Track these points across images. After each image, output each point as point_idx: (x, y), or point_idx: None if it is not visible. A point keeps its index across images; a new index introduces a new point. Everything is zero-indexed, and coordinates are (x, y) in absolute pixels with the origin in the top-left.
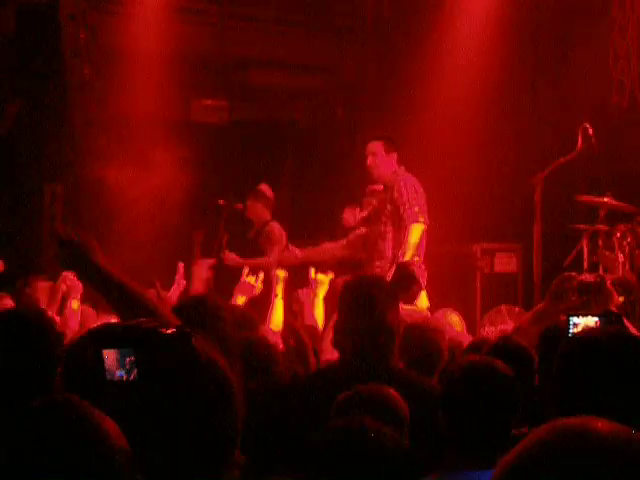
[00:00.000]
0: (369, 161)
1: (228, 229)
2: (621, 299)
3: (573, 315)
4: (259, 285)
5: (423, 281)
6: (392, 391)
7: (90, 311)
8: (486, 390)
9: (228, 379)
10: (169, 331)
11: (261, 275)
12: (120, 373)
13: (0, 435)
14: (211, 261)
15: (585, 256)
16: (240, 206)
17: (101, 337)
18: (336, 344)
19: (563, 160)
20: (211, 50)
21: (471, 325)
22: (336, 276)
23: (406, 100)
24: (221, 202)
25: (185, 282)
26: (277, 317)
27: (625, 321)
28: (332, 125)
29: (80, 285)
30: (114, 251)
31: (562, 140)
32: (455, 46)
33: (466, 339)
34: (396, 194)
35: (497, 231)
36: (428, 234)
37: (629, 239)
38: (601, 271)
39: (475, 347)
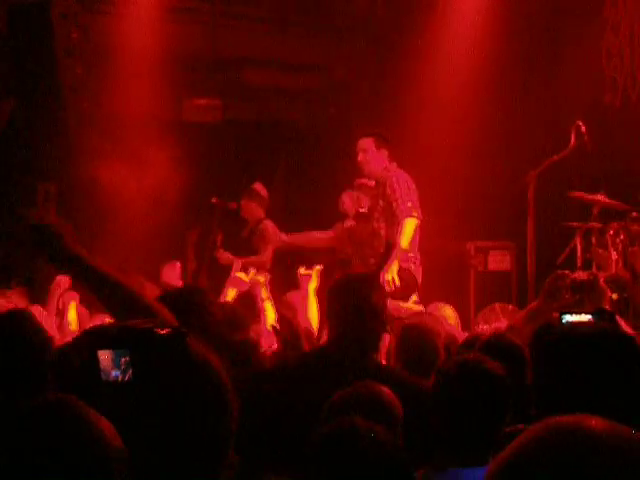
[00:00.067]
0: (360, 158)
1: (222, 228)
2: (614, 296)
3: (566, 313)
4: (251, 276)
5: (418, 278)
6: (386, 389)
7: (84, 311)
8: (476, 388)
9: (223, 379)
10: (164, 331)
11: (252, 271)
12: (115, 373)
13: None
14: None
15: (578, 254)
16: (234, 205)
17: (96, 338)
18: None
19: (556, 158)
20: (204, 49)
21: (465, 323)
22: (325, 269)
23: (399, 99)
24: (214, 201)
25: (182, 281)
26: (270, 319)
27: (618, 318)
28: (325, 124)
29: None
30: (107, 250)
31: (555, 138)
32: (448, 45)
33: (460, 335)
34: (388, 190)
35: (491, 229)
36: (422, 232)
37: (622, 236)
38: (594, 269)
39: (469, 344)
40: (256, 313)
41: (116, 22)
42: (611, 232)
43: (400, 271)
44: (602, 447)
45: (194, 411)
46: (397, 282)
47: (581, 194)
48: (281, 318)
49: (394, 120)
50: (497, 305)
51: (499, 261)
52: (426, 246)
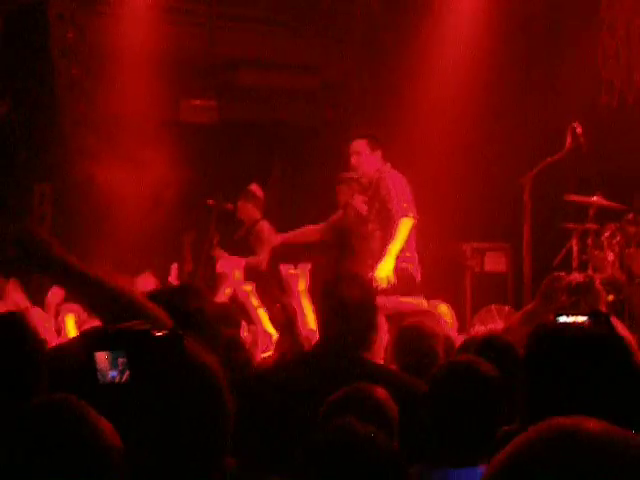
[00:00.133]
0: (353, 160)
1: (218, 229)
2: (610, 298)
3: (561, 314)
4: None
5: (417, 277)
6: (381, 390)
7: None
8: (468, 389)
9: (219, 381)
10: (161, 333)
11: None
12: (113, 374)
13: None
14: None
15: (575, 255)
16: (230, 206)
17: (93, 340)
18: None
19: (552, 159)
20: (200, 50)
21: (461, 324)
22: (314, 264)
23: (395, 100)
24: (211, 202)
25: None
26: (265, 321)
27: (614, 320)
28: (321, 125)
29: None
30: (103, 250)
31: (551, 139)
32: (444, 45)
33: (455, 334)
34: (383, 191)
35: (487, 230)
36: (418, 232)
37: (618, 238)
38: (590, 270)
39: (467, 346)
40: (251, 317)
41: (112, 23)
42: (607, 234)
43: (399, 271)
44: (600, 449)
45: (190, 412)
46: (392, 280)
47: (577, 198)
48: (275, 299)
49: (390, 121)
50: (493, 306)
51: (495, 262)
52: (422, 247)
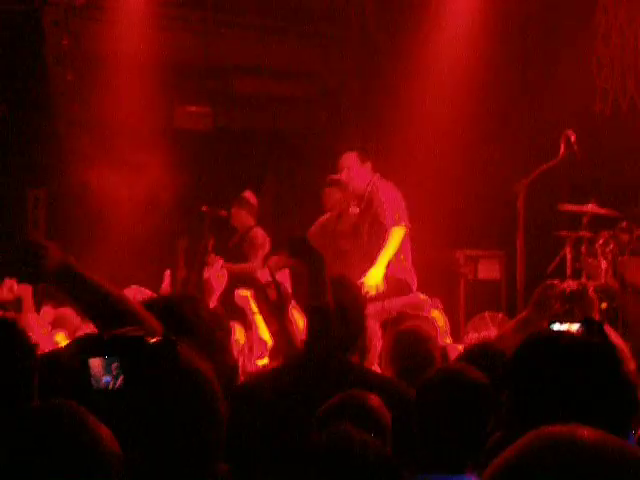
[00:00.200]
0: (344, 175)
1: (212, 236)
2: (604, 306)
3: (555, 322)
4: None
5: (413, 285)
6: (374, 397)
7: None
8: (456, 397)
9: (213, 387)
10: (154, 340)
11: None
12: (106, 379)
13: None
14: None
15: (568, 263)
16: (224, 213)
17: (87, 346)
18: None
19: (546, 167)
20: (195, 57)
21: (455, 332)
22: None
23: (390, 108)
24: (205, 209)
25: (171, 290)
26: (262, 329)
27: (607, 328)
28: (316, 132)
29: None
30: (97, 256)
31: (545, 147)
32: (439, 54)
33: (450, 338)
34: (376, 203)
35: (480, 238)
36: (412, 240)
37: (612, 246)
38: (584, 278)
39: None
40: (247, 323)
41: (107, 29)
42: (601, 241)
43: (396, 281)
44: (596, 457)
45: (183, 417)
46: (381, 288)
47: (571, 206)
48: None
49: (385, 128)
50: (487, 314)
51: (489, 270)
52: (416, 254)
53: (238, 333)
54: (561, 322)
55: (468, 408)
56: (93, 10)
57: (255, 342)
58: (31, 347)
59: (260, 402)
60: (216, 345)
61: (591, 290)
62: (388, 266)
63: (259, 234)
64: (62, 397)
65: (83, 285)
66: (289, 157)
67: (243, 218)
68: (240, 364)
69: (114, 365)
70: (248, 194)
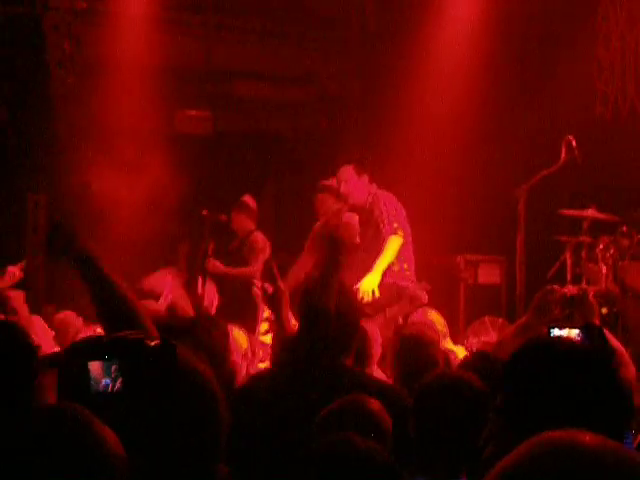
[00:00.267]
0: (342, 188)
1: (213, 240)
2: (604, 311)
3: (554, 327)
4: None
5: (415, 294)
6: (375, 402)
7: (78, 321)
8: (454, 403)
9: (213, 390)
10: (154, 343)
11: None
12: (106, 381)
13: (3, 441)
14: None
15: (568, 268)
16: (224, 217)
17: (86, 350)
18: None
19: (546, 172)
20: (196, 61)
21: (455, 336)
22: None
23: (390, 112)
24: (205, 213)
25: (172, 296)
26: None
27: (607, 333)
28: (316, 136)
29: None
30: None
31: (546, 152)
32: (439, 58)
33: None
34: (376, 213)
35: (481, 242)
36: (412, 244)
37: (612, 251)
38: (584, 283)
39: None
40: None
41: (108, 33)
42: (601, 246)
43: (397, 288)
44: (595, 462)
45: (183, 420)
46: (376, 294)
47: (571, 210)
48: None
49: (385, 133)
50: (487, 318)
51: (489, 274)
52: (416, 259)
53: (240, 338)
54: (561, 327)
55: (465, 414)
56: (94, 14)
57: (258, 345)
58: (33, 349)
59: (257, 404)
60: (213, 348)
61: (591, 295)
62: (390, 274)
63: (259, 238)
64: (61, 400)
65: (97, 275)
66: (289, 161)
67: (243, 222)
68: (244, 368)
69: (113, 368)
70: (247, 198)
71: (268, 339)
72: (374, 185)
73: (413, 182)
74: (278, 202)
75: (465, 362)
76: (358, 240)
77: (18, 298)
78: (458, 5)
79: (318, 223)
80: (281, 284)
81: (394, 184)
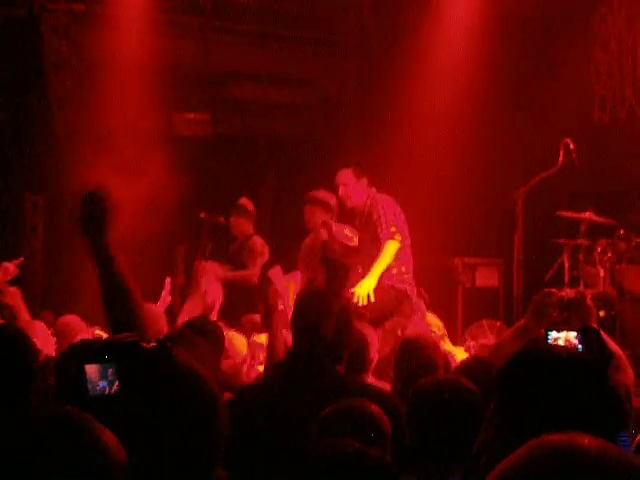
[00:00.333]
0: (341, 192)
1: (211, 242)
2: (602, 314)
3: (552, 330)
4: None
5: (413, 296)
6: (374, 407)
7: (80, 323)
8: (447, 407)
9: (211, 392)
10: (150, 345)
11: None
12: (102, 384)
13: (4, 445)
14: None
15: (566, 271)
16: (222, 219)
17: (83, 353)
18: None
19: (544, 175)
20: (194, 63)
21: (453, 339)
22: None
23: (388, 114)
24: (203, 215)
25: (171, 298)
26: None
27: (604, 336)
28: (315, 138)
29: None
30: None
31: (544, 155)
32: (437, 61)
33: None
34: (375, 216)
35: (479, 245)
36: (410, 247)
37: (610, 254)
38: (582, 286)
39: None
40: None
41: (106, 36)
42: (599, 249)
43: (395, 291)
44: (594, 466)
45: (180, 422)
46: (372, 298)
47: (569, 213)
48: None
49: (383, 135)
50: (485, 321)
51: (487, 277)
52: (414, 262)
53: (240, 343)
54: (559, 330)
55: (458, 420)
56: (92, 17)
57: (257, 348)
58: (34, 352)
59: (255, 408)
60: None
61: (589, 298)
62: (389, 277)
63: (258, 242)
64: (59, 403)
65: (114, 279)
66: (288, 163)
67: (242, 226)
68: (244, 372)
69: (110, 371)
70: (245, 201)
71: (265, 341)
72: (373, 188)
73: (411, 184)
74: (277, 204)
75: (460, 367)
76: (355, 242)
77: (15, 295)
78: (456, 9)
79: (307, 238)
80: (281, 304)
81: (392, 186)
